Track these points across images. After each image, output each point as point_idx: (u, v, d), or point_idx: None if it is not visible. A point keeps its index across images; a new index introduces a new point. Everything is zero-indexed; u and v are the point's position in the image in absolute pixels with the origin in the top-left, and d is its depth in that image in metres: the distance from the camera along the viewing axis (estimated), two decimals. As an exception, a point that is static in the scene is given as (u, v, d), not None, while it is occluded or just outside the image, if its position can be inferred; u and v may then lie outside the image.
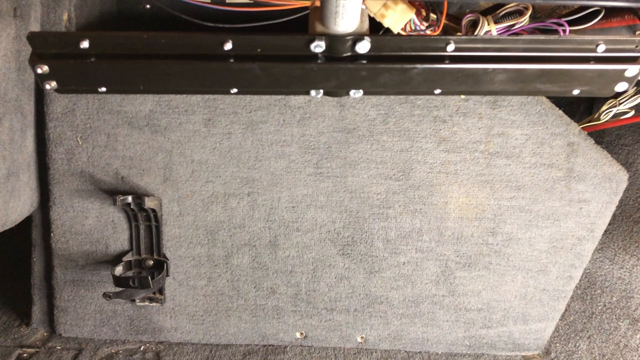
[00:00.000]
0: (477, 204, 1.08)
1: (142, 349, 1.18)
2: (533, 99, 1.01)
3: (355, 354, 1.19)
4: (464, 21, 0.97)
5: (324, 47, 0.61)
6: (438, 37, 0.64)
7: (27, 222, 1.10)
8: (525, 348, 1.20)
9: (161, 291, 1.15)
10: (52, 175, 1.07)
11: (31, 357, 1.13)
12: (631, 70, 0.63)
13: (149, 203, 1.05)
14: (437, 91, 0.66)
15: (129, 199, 1.04)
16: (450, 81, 0.64)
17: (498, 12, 0.96)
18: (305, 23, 0.65)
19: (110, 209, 1.09)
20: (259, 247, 1.11)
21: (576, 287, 1.19)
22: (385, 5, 0.88)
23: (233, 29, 1.07)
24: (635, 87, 1.11)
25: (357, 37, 0.61)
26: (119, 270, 1.07)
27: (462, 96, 1.02)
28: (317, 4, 0.61)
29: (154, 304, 1.15)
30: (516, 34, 0.96)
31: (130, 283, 1.01)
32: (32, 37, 0.62)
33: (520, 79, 0.64)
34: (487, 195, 1.07)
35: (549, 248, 1.11)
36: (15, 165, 0.97)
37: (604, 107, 1.16)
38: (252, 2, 1.10)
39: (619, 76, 0.64)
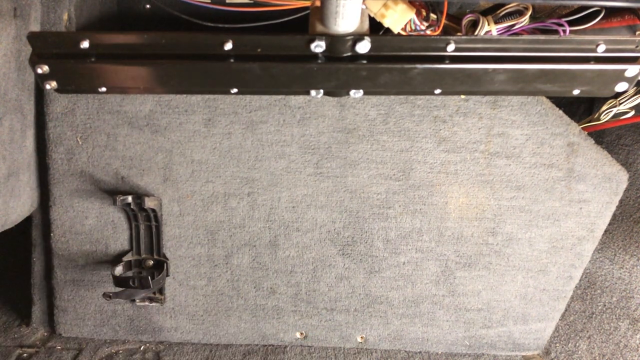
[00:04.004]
0: (477, 204, 1.08)
1: (142, 349, 1.18)
2: (533, 99, 1.01)
3: (355, 354, 1.19)
4: (464, 21, 0.97)
5: (324, 47, 0.61)
6: (438, 37, 0.64)
7: (27, 222, 1.10)
8: (525, 348, 1.20)
9: (161, 291, 1.15)
10: (52, 175, 1.07)
11: (31, 357, 1.13)
12: (631, 70, 0.63)
13: (149, 203, 1.05)
14: (437, 91, 0.66)
15: (129, 199, 1.04)
16: (451, 81, 0.64)
17: (498, 12, 0.95)
18: (305, 23, 0.65)
19: (110, 209, 1.09)
20: (259, 247, 1.11)
21: (576, 287, 1.19)
22: (385, 5, 0.88)
23: (233, 29, 1.07)
24: (635, 87, 1.11)
25: (358, 37, 0.61)
26: (119, 270, 1.07)
27: (462, 96, 1.02)
28: (317, 4, 0.61)
29: (154, 304, 1.15)
30: (516, 34, 0.96)
31: (130, 283, 1.01)
32: (32, 37, 0.62)
33: (520, 79, 0.64)
34: (487, 195, 1.07)
35: (549, 248, 1.11)
36: (15, 165, 0.97)
37: (604, 107, 1.16)
38: (252, 2, 1.10)
39: (619, 76, 0.64)
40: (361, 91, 0.66)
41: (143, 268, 1.12)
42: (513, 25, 0.95)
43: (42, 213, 1.12)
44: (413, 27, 0.93)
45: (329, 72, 0.63)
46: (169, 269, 1.12)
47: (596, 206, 1.07)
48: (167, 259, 1.12)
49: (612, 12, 0.94)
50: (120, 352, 1.16)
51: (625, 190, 1.08)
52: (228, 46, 0.61)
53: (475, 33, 0.95)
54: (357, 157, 1.05)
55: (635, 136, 1.28)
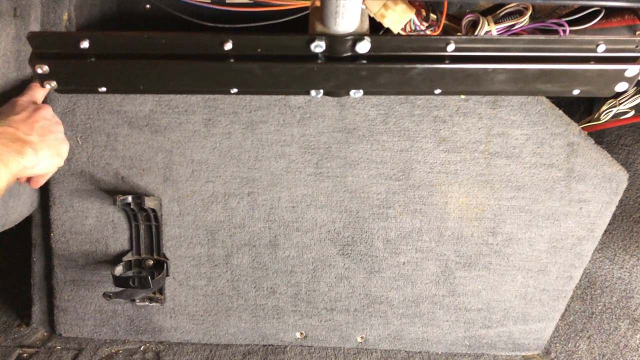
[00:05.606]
0: (477, 204, 1.08)
1: (142, 349, 1.18)
2: (533, 99, 1.01)
3: (355, 354, 1.19)
4: (464, 21, 0.97)
5: (324, 47, 0.61)
6: (438, 37, 0.64)
7: (27, 222, 1.10)
8: (525, 348, 1.20)
9: (161, 291, 1.15)
10: (52, 175, 1.07)
11: (31, 357, 1.13)
12: (631, 70, 0.63)
13: (149, 203, 1.05)
14: (437, 91, 0.66)
15: (129, 199, 1.04)
16: (451, 81, 0.64)
17: (498, 12, 0.95)
18: (305, 23, 0.65)
19: (110, 209, 1.09)
20: (259, 247, 1.12)
21: (576, 287, 1.19)
22: (385, 5, 0.88)
23: (233, 29, 1.07)
24: (635, 87, 1.11)
25: (357, 37, 0.61)
26: (119, 270, 1.07)
27: (462, 96, 1.02)
28: (317, 4, 0.61)
29: (154, 304, 1.15)
30: (516, 34, 0.95)
31: (130, 283, 1.01)
32: (32, 37, 0.62)
33: (520, 79, 0.64)
34: (487, 195, 1.07)
35: (549, 248, 1.11)
36: (15, 165, 0.97)
37: (604, 107, 1.16)
38: (252, 2, 1.10)
39: (619, 76, 0.64)
40: (361, 91, 0.66)
41: (143, 268, 1.12)
42: (513, 25, 0.95)
43: (42, 213, 1.12)
44: (413, 27, 0.93)
45: (329, 72, 0.63)
46: (169, 269, 1.13)
47: (596, 206, 1.08)
48: (167, 259, 1.12)
49: (612, 12, 0.94)
50: (120, 352, 1.16)
51: (625, 190, 1.08)
52: (228, 46, 0.61)
53: (475, 33, 0.95)
54: (357, 157, 1.05)
55: (635, 136, 1.28)
